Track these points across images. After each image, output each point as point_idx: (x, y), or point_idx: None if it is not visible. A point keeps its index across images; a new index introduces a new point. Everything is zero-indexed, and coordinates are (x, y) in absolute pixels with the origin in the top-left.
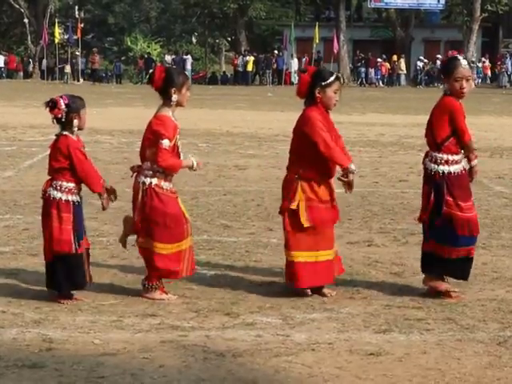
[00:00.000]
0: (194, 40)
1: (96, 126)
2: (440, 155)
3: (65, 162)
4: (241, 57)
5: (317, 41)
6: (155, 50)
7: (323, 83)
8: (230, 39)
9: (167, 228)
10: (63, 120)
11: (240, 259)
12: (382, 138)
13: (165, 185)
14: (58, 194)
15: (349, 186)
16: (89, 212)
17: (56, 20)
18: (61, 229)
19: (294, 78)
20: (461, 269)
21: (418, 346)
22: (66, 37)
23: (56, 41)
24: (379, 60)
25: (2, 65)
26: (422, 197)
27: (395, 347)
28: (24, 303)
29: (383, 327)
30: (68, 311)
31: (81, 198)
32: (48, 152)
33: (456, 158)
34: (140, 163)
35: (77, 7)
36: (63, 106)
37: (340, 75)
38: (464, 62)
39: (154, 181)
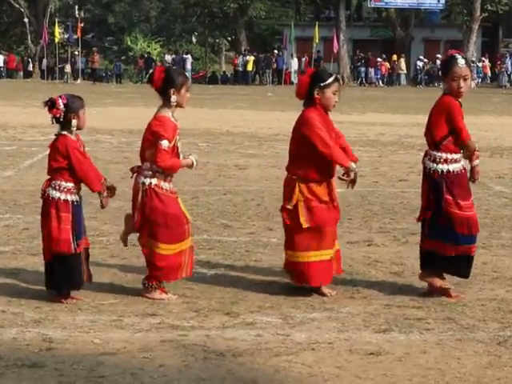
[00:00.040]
0: (194, 40)
1: (96, 125)
2: (439, 154)
3: (63, 161)
4: (241, 56)
5: (317, 40)
6: (155, 49)
7: (322, 84)
8: (230, 39)
9: (168, 228)
10: (62, 120)
11: (240, 259)
12: (381, 138)
13: (165, 185)
14: (56, 194)
15: (352, 182)
16: (89, 211)
17: (56, 19)
18: (59, 228)
19: (294, 78)
20: (462, 267)
21: (418, 345)
22: (66, 36)
23: (56, 40)
24: (379, 60)
25: (2, 64)
26: (421, 196)
27: (395, 347)
28: (24, 303)
29: (383, 327)
30: (68, 311)
31: (80, 197)
32: (48, 152)
33: (455, 156)
34: (140, 164)
35: (77, 7)
36: (61, 106)
37: (339, 76)
38: (461, 61)
39: (154, 181)
